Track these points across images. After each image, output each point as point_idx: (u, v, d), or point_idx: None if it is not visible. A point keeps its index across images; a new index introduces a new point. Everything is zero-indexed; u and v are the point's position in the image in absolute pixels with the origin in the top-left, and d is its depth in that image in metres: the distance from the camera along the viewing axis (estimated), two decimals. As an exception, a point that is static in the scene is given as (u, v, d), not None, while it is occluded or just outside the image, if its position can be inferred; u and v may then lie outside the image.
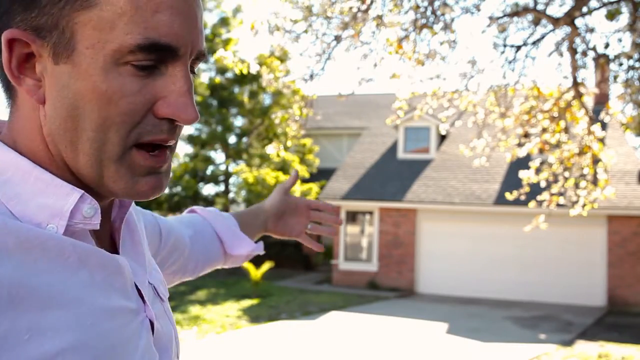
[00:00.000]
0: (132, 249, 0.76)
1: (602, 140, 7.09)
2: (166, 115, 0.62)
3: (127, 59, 0.59)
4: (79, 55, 0.59)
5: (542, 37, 6.57)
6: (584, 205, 7.07)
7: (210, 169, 18.14)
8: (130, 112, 0.60)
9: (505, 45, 6.55)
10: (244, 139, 18.08)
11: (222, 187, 18.20)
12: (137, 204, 0.90)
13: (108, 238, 0.73)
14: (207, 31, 17.22)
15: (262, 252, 1.30)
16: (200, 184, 17.96)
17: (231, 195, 18.31)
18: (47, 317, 0.56)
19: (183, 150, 20.08)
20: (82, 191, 0.63)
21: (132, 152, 0.63)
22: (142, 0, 0.59)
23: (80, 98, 0.59)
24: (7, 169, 0.61)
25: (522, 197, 7.80)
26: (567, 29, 6.17)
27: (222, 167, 18.17)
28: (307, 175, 18.53)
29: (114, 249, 0.73)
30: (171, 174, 0.73)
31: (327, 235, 1.35)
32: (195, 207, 1.26)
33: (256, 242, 1.32)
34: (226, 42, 16.68)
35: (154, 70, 0.62)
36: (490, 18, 6.16)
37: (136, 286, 0.71)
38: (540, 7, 6.23)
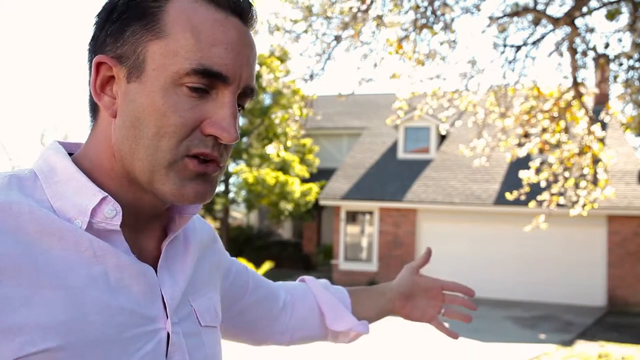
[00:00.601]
0: (176, 265, 0.83)
1: (602, 140, 7.09)
2: (211, 133, 0.73)
3: (184, 80, 0.71)
4: (146, 76, 0.71)
5: (542, 37, 6.57)
6: (584, 205, 7.07)
7: (210, 169, 18.14)
8: (181, 125, 0.71)
9: (505, 45, 6.55)
10: (244, 139, 18.08)
11: (222, 187, 18.20)
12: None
13: (156, 249, 0.82)
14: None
15: (366, 333, 1.22)
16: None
17: (231, 195, 18.31)
18: (44, 294, 0.65)
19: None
20: (106, 194, 0.72)
21: (184, 160, 0.73)
22: (203, 35, 0.72)
23: (142, 110, 0.71)
24: (61, 172, 0.74)
25: (522, 197, 7.80)
26: (567, 29, 6.17)
27: (222, 167, 18.17)
28: (307, 175, 18.53)
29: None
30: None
31: (461, 320, 1.33)
32: (305, 277, 1.27)
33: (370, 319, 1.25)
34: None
35: (205, 95, 0.73)
36: (490, 18, 6.16)
37: (162, 298, 0.77)
38: (540, 7, 6.23)
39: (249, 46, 0.76)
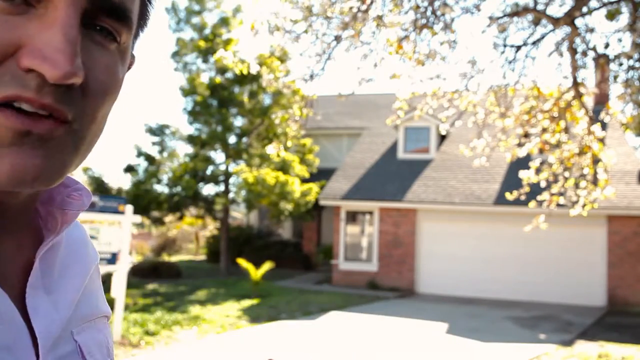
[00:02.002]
0: (59, 283, 0.60)
1: (602, 140, 7.09)
2: (27, 65, 0.45)
3: None
4: None
5: (542, 37, 6.57)
6: (584, 205, 7.07)
7: (210, 169, 18.13)
8: None
9: (505, 45, 6.55)
10: (244, 139, 18.08)
11: (222, 187, 18.20)
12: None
13: (23, 262, 0.57)
14: (207, 31, 17.22)
15: None
16: (200, 184, 17.95)
17: (231, 195, 18.31)
18: None
19: (183, 150, 20.04)
20: None
21: None
22: None
23: None
24: None
25: (522, 197, 7.80)
26: (567, 29, 6.17)
27: (222, 167, 18.17)
28: (307, 175, 18.53)
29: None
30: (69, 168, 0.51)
31: None
32: None
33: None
34: (226, 42, 16.68)
35: (26, 9, 0.46)
36: (490, 18, 6.16)
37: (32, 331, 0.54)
38: (540, 7, 6.23)
39: None
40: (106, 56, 0.50)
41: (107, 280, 8.54)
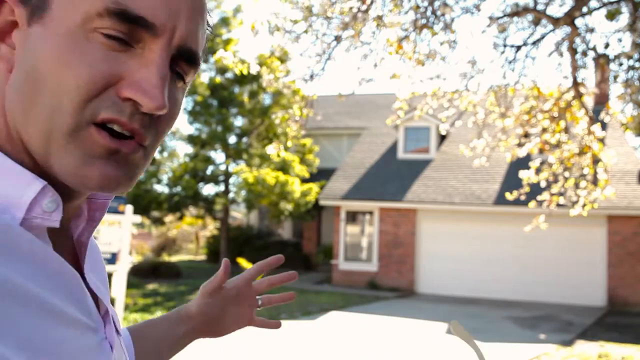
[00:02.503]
0: (96, 270, 0.69)
1: (602, 140, 7.09)
2: (128, 96, 0.55)
3: (96, 24, 0.54)
4: (50, 16, 0.55)
5: (542, 37, 6.57)
6: (584, 205, 7.07)
7: (210, 169, 18.14)
8: (89, 80, 0.54)
9: (505, 45, 6.55)
10: (244, 139, 18.08)
11: (222, 187, 18.20)
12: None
13: (70, 252, 0.65)
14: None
15: None
16: (200, 184, 17.96)
17: (231, 195, 18.31)
18: (17, 311, 0.51)
19: (183, 150, 20.01)
20: (45, 182, 0.55)
21: (89, 130, 0.55)
22: None
23: (41, 59, 0.54)
24: None
25: (522, 197, 7.80)
26: (567, 29, 6.17)
27: (222, 167, 18.17)
28: (307, 175, 18.53)
29: (75, 265, 0.64)
30: (139, 177, 0.61)
31: (286, 301, 1.13)
32: None
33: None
34: (226, 42, 16.68)
35: (127, 49, 0.55)
36: (490, 18, 6.16)
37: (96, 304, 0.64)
38: (540, 7, 6.23)
39: None
40: (176, 92, 0.61)
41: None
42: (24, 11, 0.56)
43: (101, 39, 0.54)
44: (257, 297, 1.11)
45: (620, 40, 6.12)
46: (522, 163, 10.96)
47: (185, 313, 1.02)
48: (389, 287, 15.28)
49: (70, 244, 0.65)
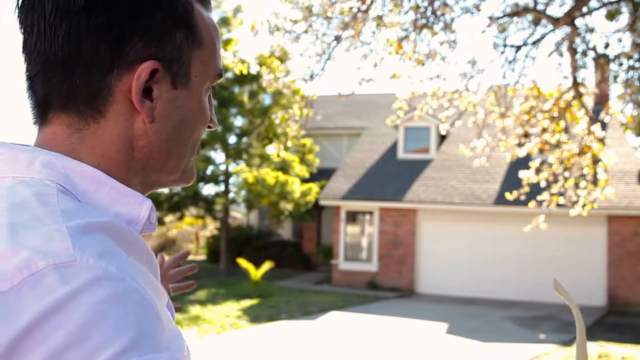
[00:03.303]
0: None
1: (602, 140, 7.09)
2: (210, 124, 0.81)
3: (213, 84, 0.79)
4: (192, 83, 0.75)
5: (542, 37, 6.57)
6: (584, 205, 7.07)
7: (210, 169, 18.14)
8: (206, 123, 0.79)
9: (505, 45, 6.55)
10: (244, 139, 18.08)
11: (222, 187, 18.20)
12: None
13: None
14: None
15: None
16: (201, 184, 17.96)
17: (231, 195, 18.31)
18: (164, 308, 0.63)
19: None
20: (151, 201, 0.71)
21: None
22: (216, 40, 0.78)
23: (187, 115, 0.75)
24: (82, 180, 0.66)
25: (522, 197, 7.80)
26: (567, 29, 6.17)
27: (222, 167, 18.17)
28: (307, 175, 18.53)
29: None
30: None
31: (187, 289, 1.25)
32: None
33: None
34: (226, 42, 16.67)
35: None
36: (490, 18, 6.16)
37: None
38: (540, 7, 6.24)
39: None
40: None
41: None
42: (167, 74, 0.72)
43: (207, 93, 0.79)
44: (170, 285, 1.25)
45: (620, 40, 6.12)
46: (522, 163, 10.95)
47: None
48: (389, 287, 15.27)
49: None
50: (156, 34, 0.70)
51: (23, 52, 0.71)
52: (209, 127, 0.81)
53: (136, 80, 0.68)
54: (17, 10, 0.70)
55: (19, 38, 0.73)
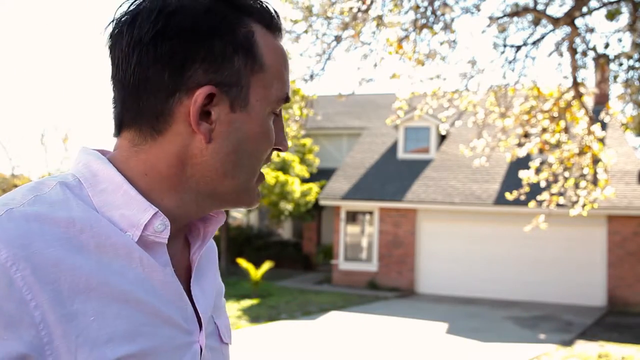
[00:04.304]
0: (205, 279, 0.87)
1: (602, 140, 7.09)
2: (277, 147, 0.83)
3: (274, 108, 0.80)
4: (251, 106, 0.77)
5: (542, 37, 6.57)
6: (584, 205, 7.07)
7: (210, 169, 18.13)
8: (270, 147, 0.80)
9: (505, 45, 6.56)
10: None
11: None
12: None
13: (185, 268, 0.84)
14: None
15: None
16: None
17: (231, 195, 18.30)
18: (111, 307, 0.68)
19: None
20: (157, 209, 0.74)
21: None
22: (282, 66, 0.80)
23: (246, 138, 0.77)
24: (105, 180, 0.74)
25: (522, 197, 7.80)
26: (567, 29, 6.17)
27: (222, 167, 18.16)
28: (307, 175, 18.53)
29: (188, 277, 0.83)
30: None
31: None
32: None
33: None
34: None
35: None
36: (490, 18, 6.16)
37: (196, 313, 0.80)
38: (540, 7, 6.23)
39: None
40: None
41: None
42: (224, 97, 0.75)
43: (272, 116, 0.80)
44: None
45: (620, 40, 6.12)
46: (522, 163, 10.95)
47: None
48: (389, 287, 15.27)
49: (187, 260, 0.84)
50: (215, 60, 0.74)
51: (110, 80, 0.79)
52: (279, 149, 0.83)
53: (193, 104, 0.74)
54: (107, 47, 0.78)
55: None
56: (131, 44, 0.73)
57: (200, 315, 0.81)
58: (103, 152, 0.81)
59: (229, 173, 0.77)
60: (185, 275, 0.82)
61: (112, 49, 0.76)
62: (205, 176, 0.77)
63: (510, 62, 6.60)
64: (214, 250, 0.96)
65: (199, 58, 0.73)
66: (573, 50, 6.21)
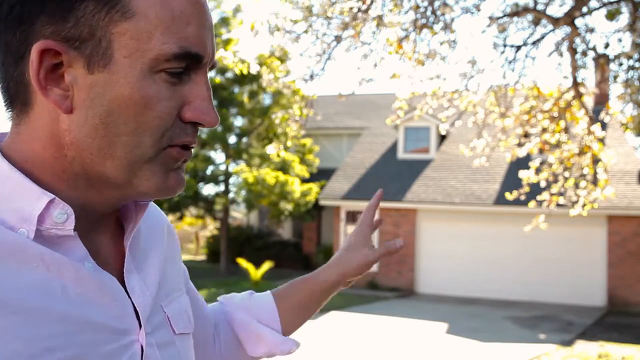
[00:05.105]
0: (145, 265, 0.75)
1: (602, 140, 7.09)
2: (191, 119, 0.66)
3: (163, 66, 0.63)
4: (116, 64, 0.61)
5: (542, 37, 6.57)
6: (584, 205, 7.07)
7: (210, 169, 18.12)
8: (165, 117, 0.64)
9: (505, 45, 6.55)
10: (244, 139, 18.08)
11: (222, 187, 18.19)
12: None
13: (115, 247, 0.72)
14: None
15: (291, 351, 1.04)
16: (200, 184, 17.95)
17: (231, 195, 18.30)
18: (2, 321, 0.56)
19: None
20: (53, 196, 0.61)
21: (166, 150, 0.66)
22: (175, 13, 0.63)
23: (116, 105, 0.62)
24: None
25: (522, 197, 7.80)
26: (567, 29, 6.17)
27: (222, 167, 18.16)
28: (307, 175, 18.53)
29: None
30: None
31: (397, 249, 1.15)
32: (222, 298, 1.08)
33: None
34: (226, 42, 16.67)
35: (182, 77, 0.65)
36: (490, 18, 6.16)
37: (134, 307, 0.69)
38: (540, 7, 6.23)
39: (210, 16, 0.68)
40: None
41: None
42: (77, 56, 0.61)
43: (165, 77, 0.63)
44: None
45: (620, 40, 6.11)
46: (522, 163, 10.94)
47: (336, 261, 1.09)
48: (389, 287, 15.27)
49: (120, 243, 0.73)
50: (57, 8, 0.60)
51: None
52: (199, 124, 0.67)
53: (31, 66, 0.60)
54: None
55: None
56: None
57: (138, 309, 0.69)
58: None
59: (105, 151, 0.62)
60: (119, 266, 0.71)
61: None
62: (83, 157, 0.63)
63: (510, 62, 6.60)
64: (167, 234, 0.84)
65: (37, 9, 0.60)
66: (573, 50, 6.21)
